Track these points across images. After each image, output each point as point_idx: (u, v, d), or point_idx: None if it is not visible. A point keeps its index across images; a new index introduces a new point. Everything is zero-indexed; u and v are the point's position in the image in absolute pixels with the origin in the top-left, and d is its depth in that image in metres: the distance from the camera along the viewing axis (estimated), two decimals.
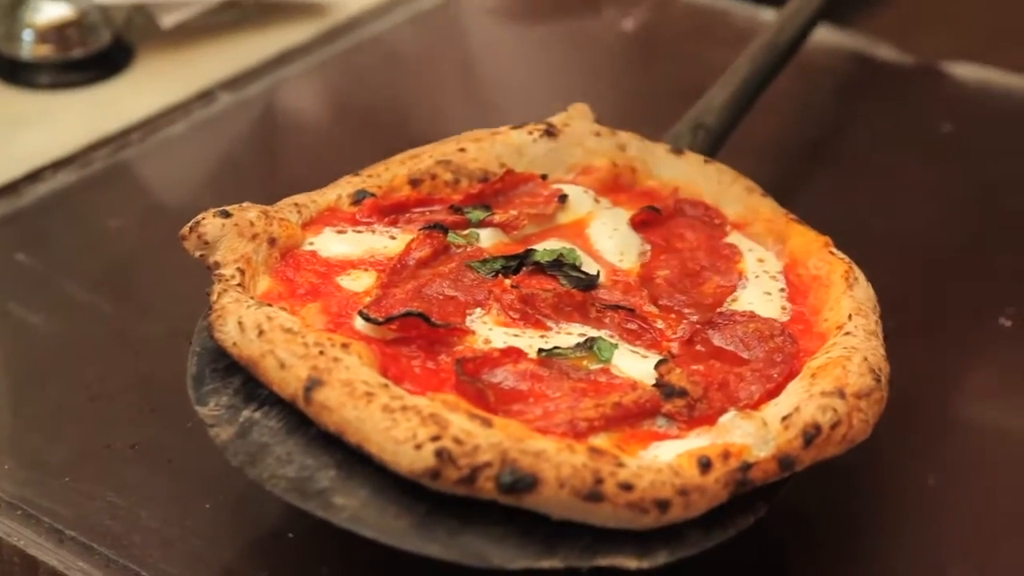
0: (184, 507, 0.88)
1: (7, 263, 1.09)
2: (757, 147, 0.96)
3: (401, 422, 0.70)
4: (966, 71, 1.22)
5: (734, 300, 0.85)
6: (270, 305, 0.80)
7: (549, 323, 0.82)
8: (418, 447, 0.69)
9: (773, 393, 0.78)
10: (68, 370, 1.02)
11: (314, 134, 1.04)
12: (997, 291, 1.00)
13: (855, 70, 1.23)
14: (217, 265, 0.83)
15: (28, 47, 1.23)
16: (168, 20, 1.26)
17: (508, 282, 0.84)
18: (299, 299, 0.83)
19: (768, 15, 1.18)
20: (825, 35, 1.19)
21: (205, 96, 1.24)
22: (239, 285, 0.81)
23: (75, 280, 1.09)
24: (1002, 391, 0.95)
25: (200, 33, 1.29)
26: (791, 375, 0.79)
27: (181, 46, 1.28)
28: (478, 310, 0.82)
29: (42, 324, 1.05)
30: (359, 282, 0.84)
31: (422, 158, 0.93)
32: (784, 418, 0.74)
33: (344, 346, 0.76)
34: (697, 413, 0.76)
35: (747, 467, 0.72)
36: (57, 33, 1.23)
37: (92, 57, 1.25)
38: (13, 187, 1.12)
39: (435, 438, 0.69)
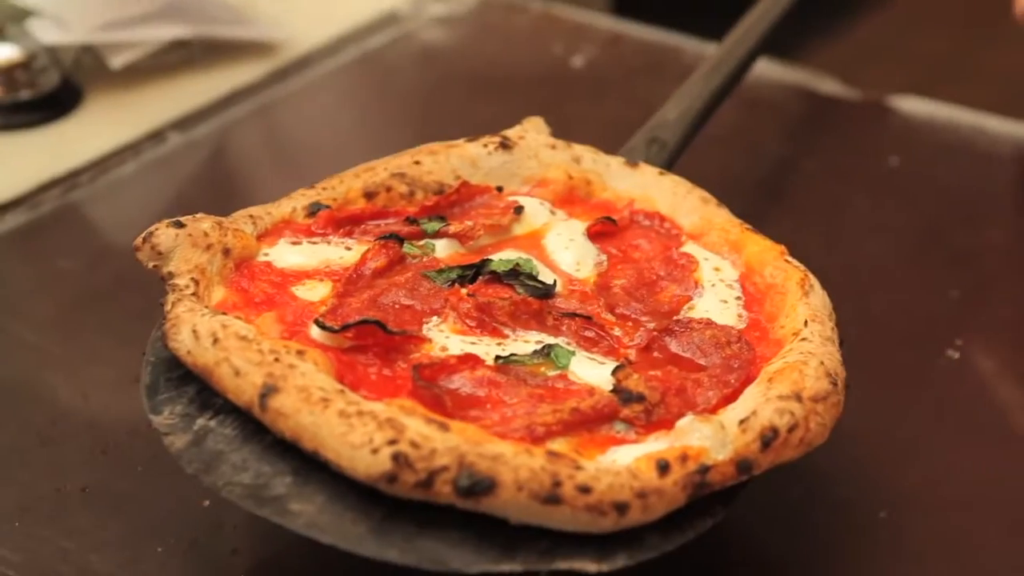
0: (135, 551, 0.87)
1: None
2: (705, 181, 0.95)
3: (357, 427, 0.70)
4: (912, 105, 1.23)
5: (691, 308, 0.85)
6: (225, 314, 0.79)
7: (506, 331, 0.82)
8: (375, 451, 0.68)
9: (730, 398, 0.78)
10: (18, 413, 1.01)
11: (265, 174, 1.03)
12: (945, 324, 1.00)
13: (802, 105, 1.24)
14: (171, 275, 0.82)
15: None
16: (117, 61, 1.25)
17: (464, 291, 0.83)
18: (254, 308, 0.82)
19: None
20: (772, 70, 1.20)
21: (155, 136, 1.22)
22: (193, 295, 0.81)
23: (24, 322, 1.08)
24: (951, 424, 0.95)
25: (149, 73, 1.28)
26: (748, 380, 0.79)
27: (131, 86, 1.27)
28: (435, 319, 0.82)
29: None
30: (315, 292, 0.84)
31: (377, 171, 0.92)
32: (741, 421, 0.74)
33: (300, 353, 0.76)
34: (655, 418, 0.76)
35: (705, 470, 0.71)
36: (4, 75, 1.21)
37: (41, 99, 1.24)
38: None
39: (392, 442, 0.68)
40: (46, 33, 1.24)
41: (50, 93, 1.24)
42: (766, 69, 1.16)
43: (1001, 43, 2.41)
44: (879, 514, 0.88)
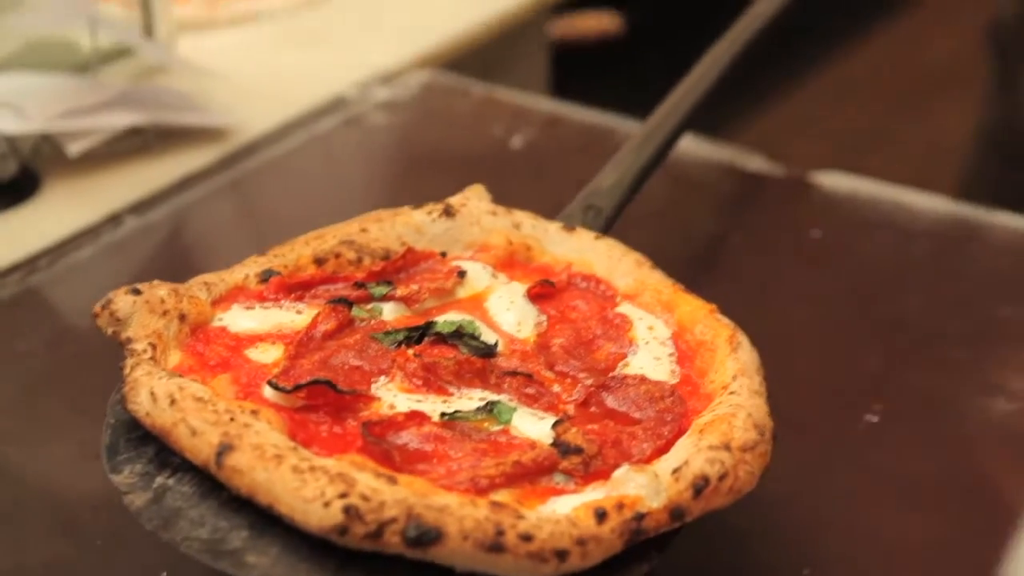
0: None
1: None
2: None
3: (310, 481, 0.71)
4: (833, 180, 1.26)
5: (626, 365, 0.86)
6: (181, 376, 0.80)
7: (451, 389, 0.83)
8: (326, 504, 0.70)
9: (664, 449, 0.79)
10: None
11: (219, 253, 1.05)
12: (865, 389, 1.02)
13: (728, 181, 1.27)
14: (129, 340, 0.83)
15: None
16: (74, 148, 1.26)
17: (411, 352, 0.85)
18: (210, 371, 0.83)
19: None
20: (700, 148, 1.22)
21: (112, 220, 1.24)
22: (151, 359, 0.82)
23: None
24: (869, 487, 0.96)
25: (106, 160, 1.30)
26: (680, 432, 0.81)
27: (87, 173, 1.28)
28: (382, 378, 0.83)
29: None
30: (267, 354, 0.85)
31: (326, 238, 0.94)
32: (675, 471, 0.76)
33: (254, 412, 0.77)
34: (592, 469, 0.78)
35: (640, 517, 0.73)
36: None
37: (3, 185, 1.25)
38: None
39: (343, 495, 0.70)
40: (5, 122, 1.25)
41: (8, 181, 1.25)
42: (694, 147, 1.19)
43: (918, 118, 2.45)
44: (803, 572, 0.90)
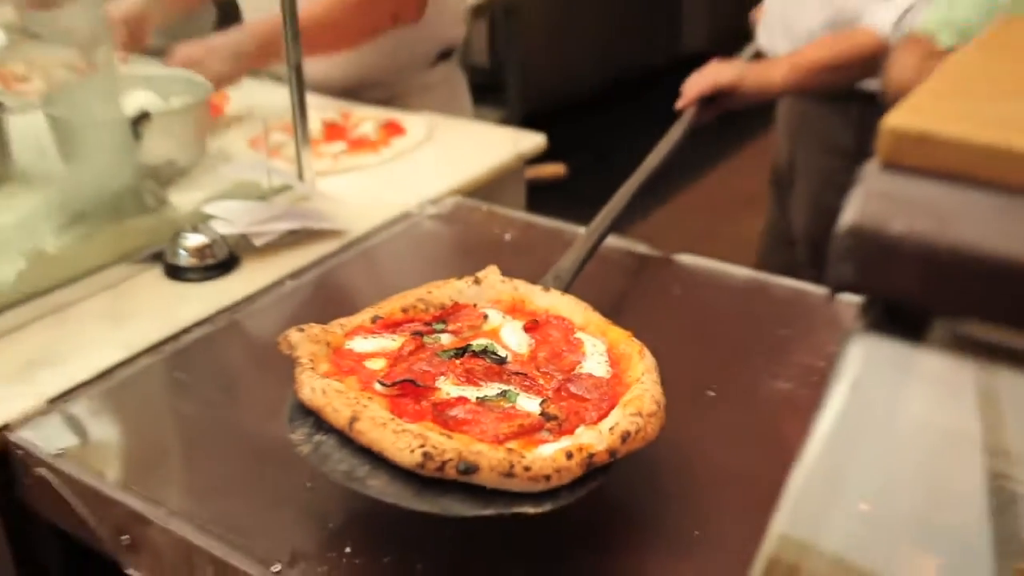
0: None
1: (169, 379, 1.07)
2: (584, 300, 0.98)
3: (402, 437, 0.71)
4: (686, 259, 1.24)
5: (580, 367, 0.86)
6: (327, 378, 0.80)
7: (481, 383, 0.82)
8: (412, 451, 0.70)
9: (604, 415, 0.79)
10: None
11: (344, 306, 1.01)
12: (705, 378, 1.01)
13: (628, 259, 1.25)
14: (298, 357, 0.83)
15: (183, 259, 1.22)
16: (258, 241, 1.25)
17: (458, 361, 0.84)
18: (344, 374, 0.83)
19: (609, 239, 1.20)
20: (613, 240, 1.22)
21: (279, 283, 1.21)
22: (311, 368, 0.81)
23: (213, 380, 1.07)
24: (711, 435, 0.94)
25: (276, 246, 1.28)
26: (612, 406, 0.80)
27: (266, 255, 1.26)
28: (442, 377, 0.83)
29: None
30: (377, 364, 0.85)
31: (408, 297, 0.94)
32: (610, 428, 0.76)
33: (369, 398, 0.78)
34: (563, 428, 0.78)
35: (592, 455, 0.73)
36: (198, 251, 1.22)
37: (217, 264, 1.23)
38: (176, 336, 1.11)
39: (421, 445, 0.70)
40: (222, 227, 1.24)
41: (222, 260, 1.23)
42: (611, 240, 1.18)
43: (736, 222, 2.48)
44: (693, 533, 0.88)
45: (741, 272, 1.23)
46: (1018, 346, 0.44)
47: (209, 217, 1.27)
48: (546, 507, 0.72)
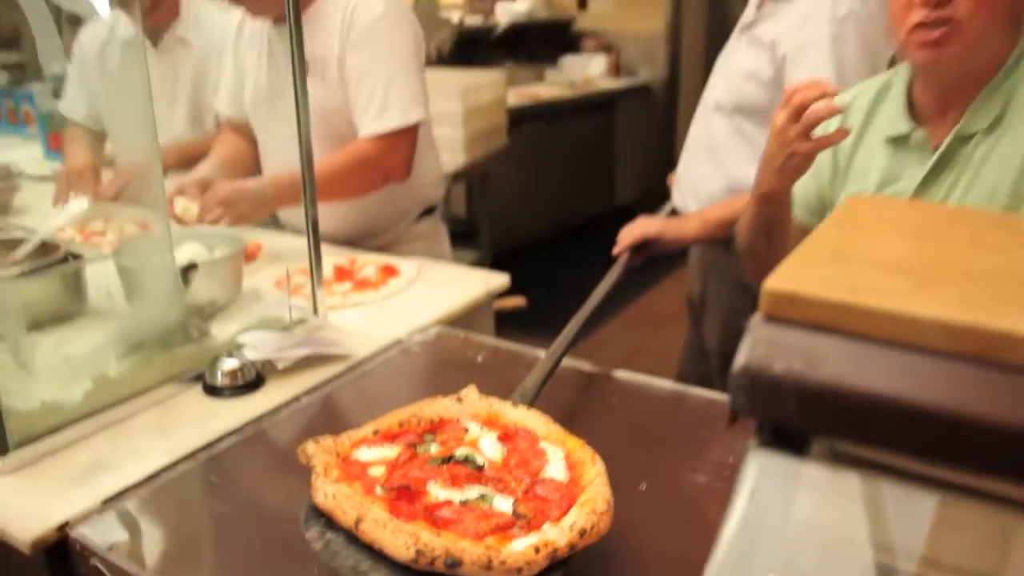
0: None
1: (204, 482, 1.03)
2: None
3: (399, 536, 0.70)
4: (622, 374, 1.23)
5: (544, 472, 0.85)
6: (337, 483, 0.79)
7: (464, 486, 0.81)
8: (407, 548, 0.69)
9: (564, 513, 0.78)
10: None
11: (349, 419, 1.01)
12: (638, 472, 0.98)
13: (575, 375, 1.24)
14: (313, 466, 0.82)
15: (219, 379, 1.19)
16: (281, 364, 1.22)
17: (445, 468, 0.83)
18: (351, 480, 0.81)
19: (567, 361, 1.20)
20: (565, 359, 1.21)
21: (297, 399, 1.18)
22: (324, 474, 0.80)
23: (244, 470, 1.05)
24: (643, 519, 0.91)
25: (294, 369, 1.24)
26: (571, 505, 0.79)
27: (286, 376, 1.23)
28: (431, 481, 0.81)
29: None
30: (378, 471, 0.84)
31: (403, 412, 0.93)
32: (570, 525, 0.75)
33: (372, 501, 0.76)
34: (531, 525, 0.77)
35: (556, 550, 0.72)
36: (231, 373, 1.19)
37: (247, 383, 1.20)
38: (211, 444, 1.07)
39: (415, 542, 0.69)
40: (250, 353, 1.22)
41: (251, 380, 1.21)
42: (565, 359, 1.19)
43: (662, 339, 2.47)
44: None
45: (666, 384, 1.23)
46: (885, 460, 0.46)
47: (241, 345, 1.26)
48: None
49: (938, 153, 1.09)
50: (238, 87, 1.86)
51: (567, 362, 1.26)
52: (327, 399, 1.22)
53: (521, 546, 0.73)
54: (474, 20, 4.99)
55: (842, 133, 1.07)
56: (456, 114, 3.11)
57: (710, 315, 1.99)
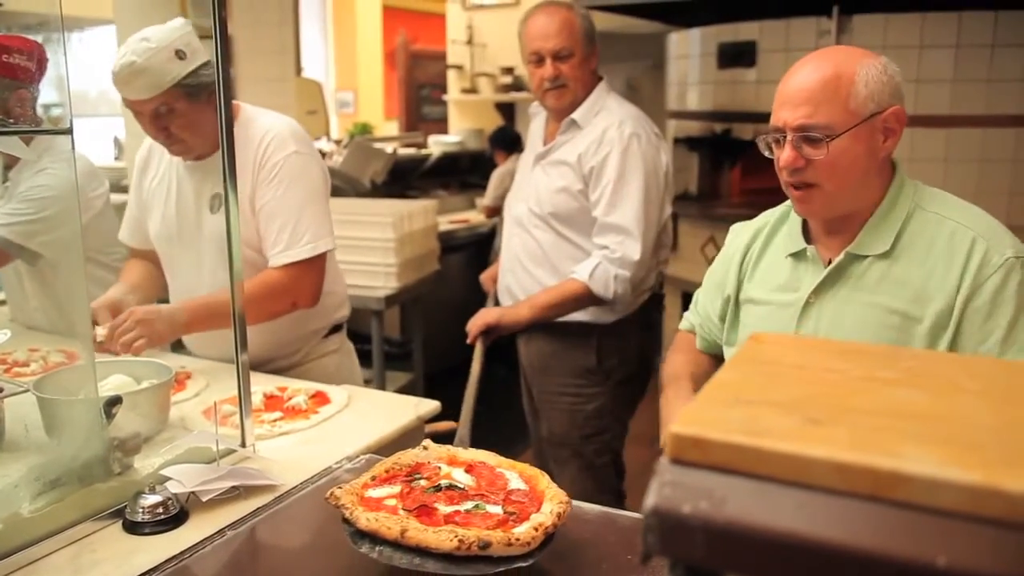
0: None
1: None
2: None
3: (441, 534, 0.87)
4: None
5: (510, 485, 1.04)
6: (363, 512, 0.93)
7: (461, 502, 0.99)
8: (450, 540, 0.86)
9: (539, 508, 0.97)
10: None
11: (273, 547, 0.96)
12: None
13: None
14: (344, 505, 0.94)
15: (140, 514, 1.10)
16: (205, 497, 1.13)
17: (441, 492, 1.00)
18: (373, 509, 0.95)
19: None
20: None
21: (219, 532, 1.09)
22: (352, 510, 0.93)
23: None
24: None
25: (220, 500, 1.16)
26: (541, 502, 0.98)
27: (211, 507, 1.13)
28: (437, 502, 0.98)
29: None
30: (391, 502, 0.99)
31: (386, 463, 1.08)
32: (550, 511, 0.95)
33: (406, 517, 0.94)
34: (520, 518, 0.95)
35: (547, 527, 0.91)
36: (153, 509, 1.10)
37: (169, 518, 1.11)
38: None
39: (455, 536, 0.86)
40: (175, 487, 1.14)
41: (174, 515, 1.11)
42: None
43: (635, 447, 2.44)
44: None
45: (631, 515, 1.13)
46: None
47: (165, 479, 1.16)
48: (530, 561, 0.87)
49: (831, 267, 1.15)
50: (142, 220, 1.80)
51: None
52: (253, 531, 1.12)
53: (524, 528, 0.89)
54: (407, 151, 5.15)
55: None
56: (389, 241, 3.15)
57: (549, 413, 2.19)
